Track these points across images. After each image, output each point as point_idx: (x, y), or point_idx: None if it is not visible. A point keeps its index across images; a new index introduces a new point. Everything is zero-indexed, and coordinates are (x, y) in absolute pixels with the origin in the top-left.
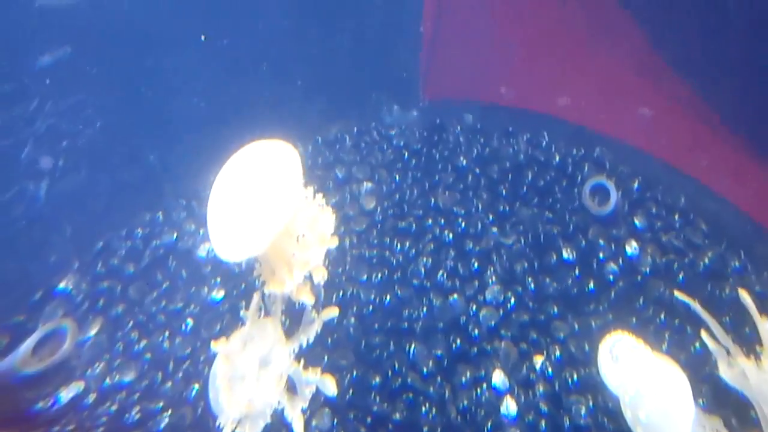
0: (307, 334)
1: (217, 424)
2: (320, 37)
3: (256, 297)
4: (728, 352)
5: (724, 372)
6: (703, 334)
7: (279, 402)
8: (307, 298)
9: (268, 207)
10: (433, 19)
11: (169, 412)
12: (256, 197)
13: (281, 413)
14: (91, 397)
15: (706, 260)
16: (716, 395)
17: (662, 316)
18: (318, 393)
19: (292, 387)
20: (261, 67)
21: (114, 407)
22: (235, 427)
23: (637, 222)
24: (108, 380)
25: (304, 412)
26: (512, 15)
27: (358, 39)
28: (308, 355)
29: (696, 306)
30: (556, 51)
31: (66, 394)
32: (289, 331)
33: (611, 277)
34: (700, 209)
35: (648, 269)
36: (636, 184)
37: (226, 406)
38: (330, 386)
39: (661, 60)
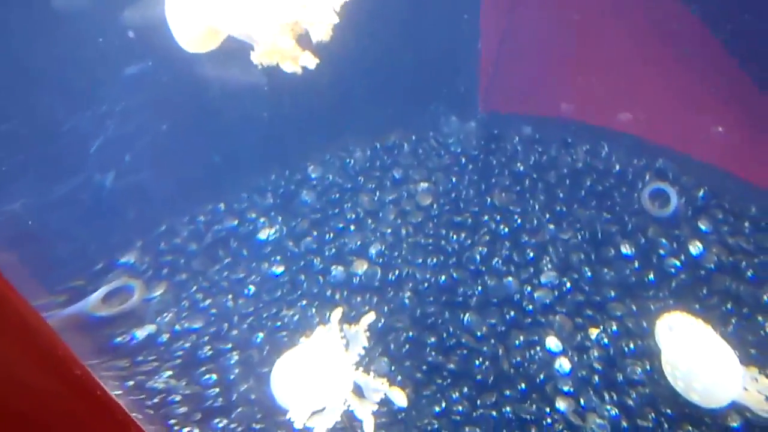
0: (359, 344)
1: (287, 417)
2: (380, 51)
3: (319, 329)
4: None
5: None
6: None
7: (348, 404)
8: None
9: None
10: (492, 36)
11: (238, 352)
12: None
13: (352, 413)
14: (165, 336)
15: None
16: None
17: (728, 305)
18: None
19: (359, 393)
20: (322, 78)
21: (187, 344)
22: (306, 421)
23: (701, 226)
24: (178, 326)
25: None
26: (574, 32)
27: (417, 54)
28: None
29: None
30: (621, 66)
31: (141, 333)
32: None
33: (673, 270)
34: None
35: (713, 265)
36: (701, 193)
37: (295, 402)
38: (400, 397)
39: (736, 71)
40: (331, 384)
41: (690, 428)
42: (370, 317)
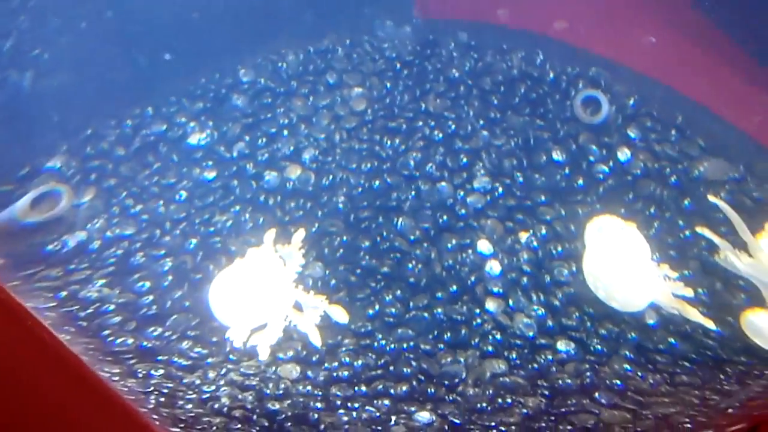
0: (295, 262)
1: (226, 336)
2: None
3: (252, 250)
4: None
5: (727, 262)
6: (703, 229)
7: (289, 320)
8: None
9: None
10: None
11: (171, 258)
12: None
13: (295, 327)
14: (96, 243)
15: (702, 168)
16: (703, 268)
17: (652, 209)
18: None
19: (300, 308)
20: None
21: (119, 251)
22: (247, 339)
23: (630, 133)
24: (109, 233)
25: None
26: None
27: None
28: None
29: (723, 204)
30: None
31: (72, 240)
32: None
33: (601, 176)
34: (698, 127)
35: (639, 171)
36: (631, 101)
37: (233, 322)
38: (340, 314)
39: None
40: (270, 301)
41: (610, 326)
42: (301, 234)
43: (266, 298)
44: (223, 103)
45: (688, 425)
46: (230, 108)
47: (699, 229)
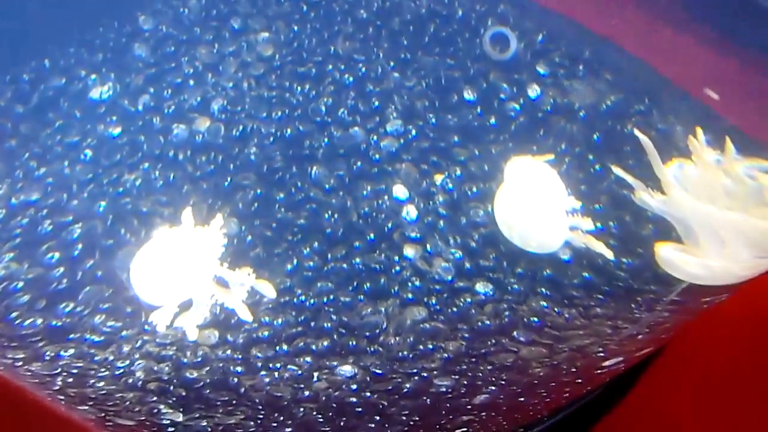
0: (217, 242)
1: (149, 319)
2: None
3: (171, 228)
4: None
5: (642, 201)
6: (617, 169)
7: (215, 298)
8: None
9: None
10: None
11: (80, 224)
12: None
13: (221, 305)
14: (1, 212)
15: (609, 102)
16: (612, 202)
17: (562, 146)
18: None
19: (225, 285)
20: None
21: (25, 220)
22: (172, 320)
23: (539, 69)
24: (14, 199)
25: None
26: None
27: None
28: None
29: (645, 139)
30: None
31: None
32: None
33: (512, 113)
34: (605, 62)
35: (549, 108)
36: (540, 38)
37: (154, 298)
38: (268, 289)
39: None
40: (194, 280)
41: (526, 264)
42: (219, 220)
43: (188, 276)
44: (124, 54)
45: (601, 354)
46: (132, 58)
47: (614, 169)
